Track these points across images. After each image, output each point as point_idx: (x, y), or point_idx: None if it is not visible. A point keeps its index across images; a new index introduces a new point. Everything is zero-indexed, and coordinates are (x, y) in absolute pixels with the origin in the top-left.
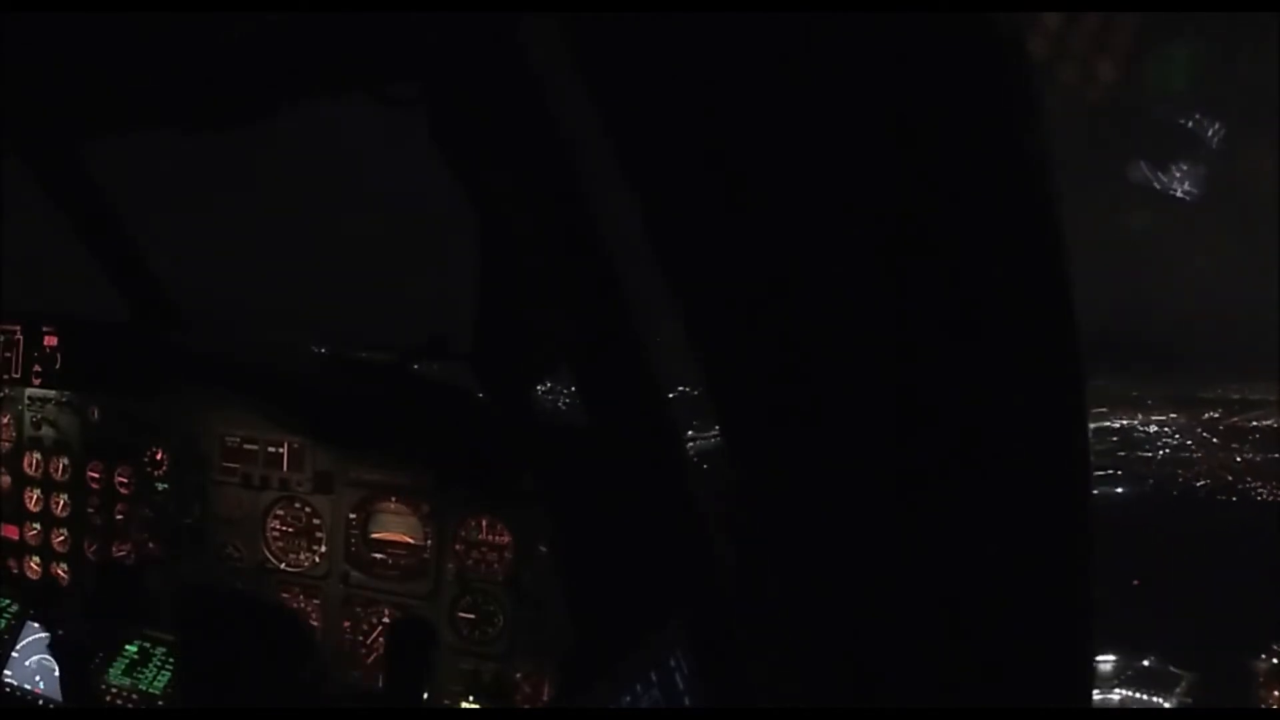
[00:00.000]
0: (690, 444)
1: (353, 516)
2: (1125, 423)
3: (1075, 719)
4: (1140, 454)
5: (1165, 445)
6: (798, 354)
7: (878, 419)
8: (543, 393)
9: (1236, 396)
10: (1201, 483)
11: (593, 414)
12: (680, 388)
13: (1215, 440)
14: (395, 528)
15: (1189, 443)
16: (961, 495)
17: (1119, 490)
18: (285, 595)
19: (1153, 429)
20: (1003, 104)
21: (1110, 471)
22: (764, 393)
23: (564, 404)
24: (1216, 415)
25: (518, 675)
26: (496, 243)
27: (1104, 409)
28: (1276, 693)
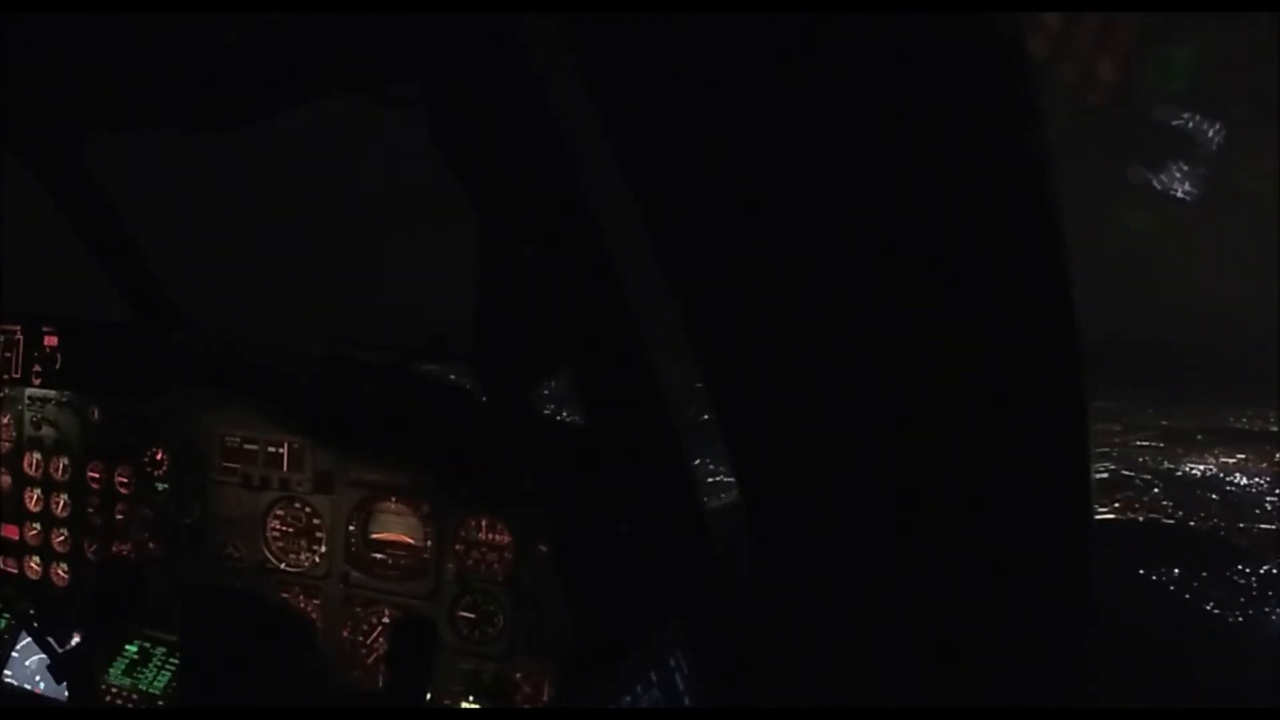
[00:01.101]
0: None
1: (352, 521)
2: (1203, 469)
3: (1075, 719)
4: (1261, 525)
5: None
6: (796, 355)
7: (876, 420)
8: (543, 393)
9: (1276, 429)
10: None
11: (593, 414)
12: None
13: None
14: (395, 528)
15: None
16: (961, 496)
17: None
18: (285, 595)
19: (1240, 479)
20: (1003, 104)
21: None
22: (763, 393)
23: (564, 404)
24: None
25: (518, 675)
26: (497, 242)
27: (1161, 443)
28: None
